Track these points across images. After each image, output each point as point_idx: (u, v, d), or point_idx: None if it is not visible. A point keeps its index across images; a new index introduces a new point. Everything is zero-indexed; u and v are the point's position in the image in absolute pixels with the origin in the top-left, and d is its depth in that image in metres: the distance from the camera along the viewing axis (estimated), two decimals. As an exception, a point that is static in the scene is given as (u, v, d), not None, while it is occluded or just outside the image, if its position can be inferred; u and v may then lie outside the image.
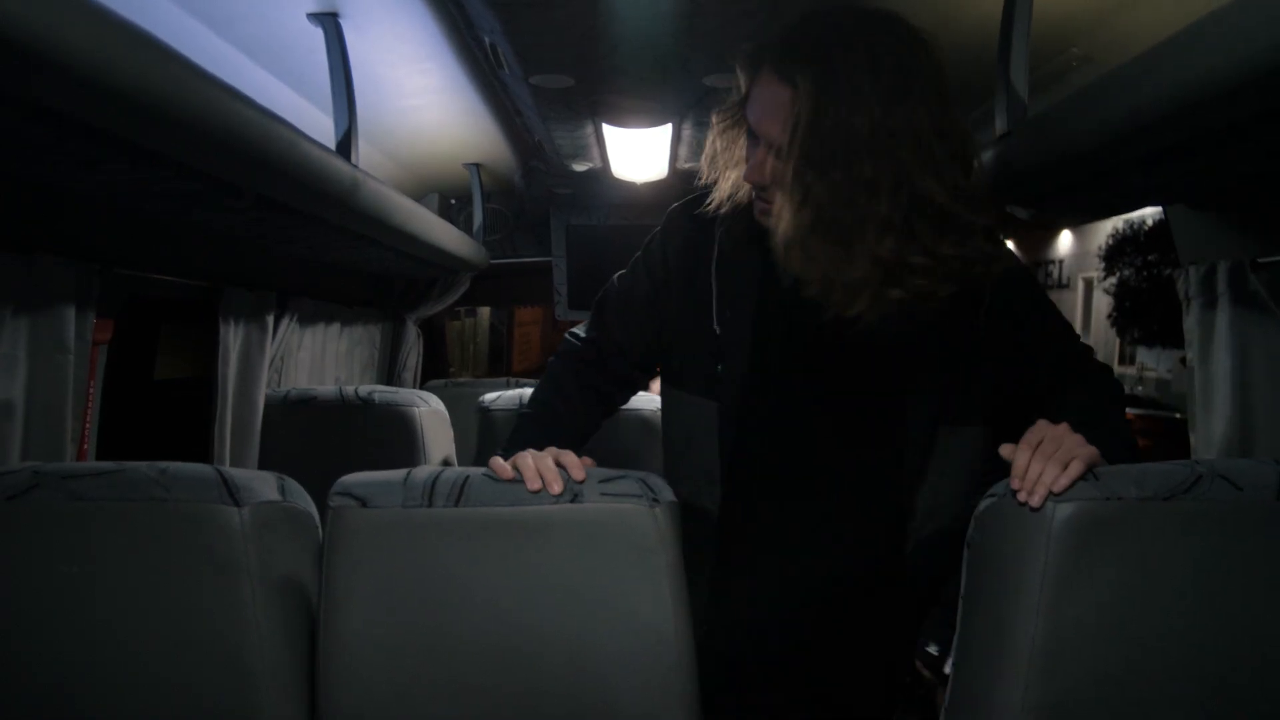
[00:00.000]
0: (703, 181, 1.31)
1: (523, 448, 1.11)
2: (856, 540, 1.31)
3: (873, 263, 1.11)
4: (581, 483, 1.04)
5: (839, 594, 1.32)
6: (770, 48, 1.17)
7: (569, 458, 1.07)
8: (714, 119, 1.28)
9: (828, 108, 1.08)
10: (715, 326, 1.30)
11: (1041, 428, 1.03)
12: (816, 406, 1.31)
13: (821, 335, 1.26)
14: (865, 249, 1.11)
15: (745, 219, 1.28)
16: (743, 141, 1.24)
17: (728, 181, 1.27)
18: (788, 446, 1.32)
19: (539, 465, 1.05)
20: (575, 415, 1.38)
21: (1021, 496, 0.96)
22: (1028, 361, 1.29)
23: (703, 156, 1.30)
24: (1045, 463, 0.97)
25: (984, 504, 1.02)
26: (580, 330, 1.46)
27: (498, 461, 1.08)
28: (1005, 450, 1.04)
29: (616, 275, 1.46)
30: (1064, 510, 0.95)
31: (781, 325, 1.30)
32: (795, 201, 1.11)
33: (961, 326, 1.25)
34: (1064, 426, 1.03)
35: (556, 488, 1.03)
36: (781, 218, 1.13)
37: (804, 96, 1.09)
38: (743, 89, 1.21)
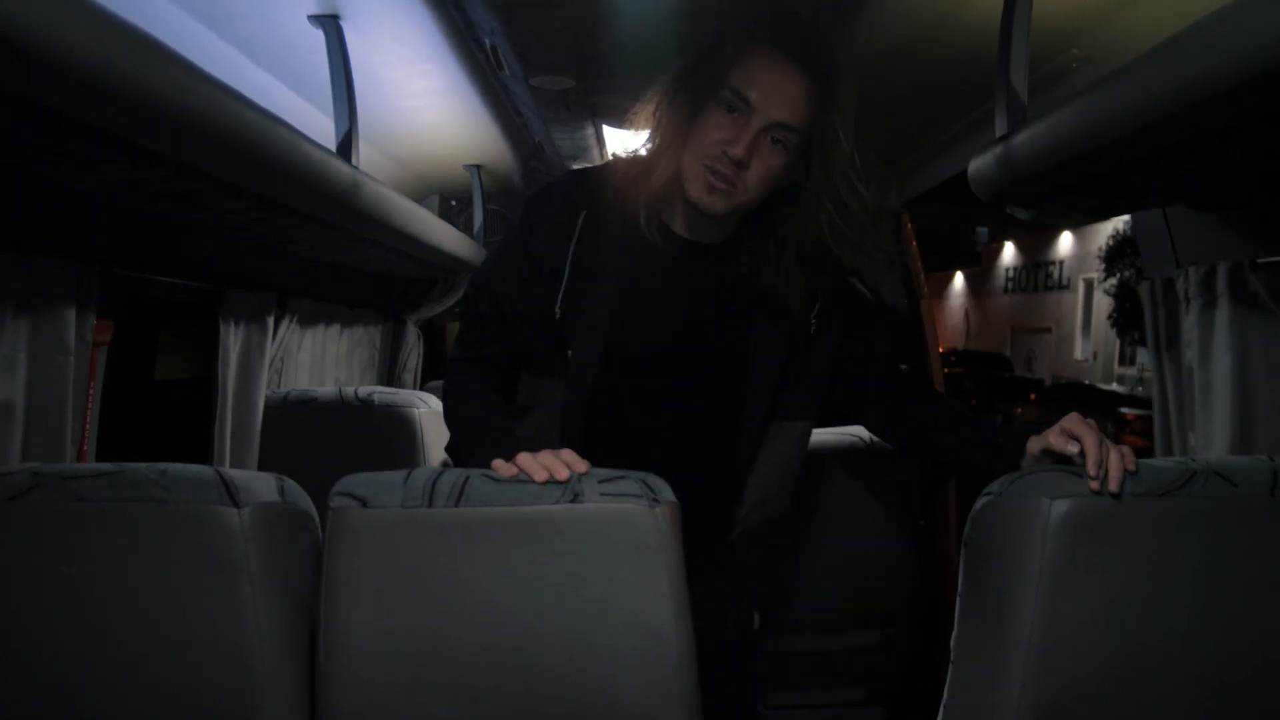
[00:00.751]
0: (639, 153, 1.30)
1: (487, 460, 1.09)
2: (688, 524, 1.36)
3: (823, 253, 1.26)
4: (584, 476, 1.04)
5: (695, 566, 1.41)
6: (786, 37, 1.21)
7: (569, 454, 1.06)
8: (672, 84, 1.27)
9: (847, 117, 1.22)
10: (556, 310, 1.31)
11: (1079, 418, 1.07)
12: (662, 394, 1.36)
13: (673, 325, 1.34)
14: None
15: (610, 202, 1.29)
16: (709, 113, 1.22)
17: (689, 154, 1.24)
18: (631, 433, 1.35)
19: (541, 458, 1.05)
20: (508, 424, 1.34)
21: (1095, 485, 0.96)
22: (856, 369, 1.42)
23: (649, 122, 1.28)
24: (1107, 451, 0.99)
25: (980, 502, 1.02)
26: (461, 350, 1.40)
27: (499, 461, 1.07)
28: (1058, 442, 1.06)
29: (477, 282, 1.43)
30: (1060, 507, 0.95)
31: (638, 313, 1.32)
32: (859, 180, 1.22)
33: (796, 331, 1.36)
34: (1092, 421, 1.07)
35: (563, 474, 1.03)
36: (851, 200, 1.23)
37: (843, 100, 1.21)
38: (726, 60, 1.22)
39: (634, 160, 1.30)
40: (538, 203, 1.36)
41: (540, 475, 1.03)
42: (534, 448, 1.21)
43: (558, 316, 1.30)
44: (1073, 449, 1.03)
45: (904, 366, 1.51)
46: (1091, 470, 0.97)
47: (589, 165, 1.40)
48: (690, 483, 1.38)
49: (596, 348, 1.31)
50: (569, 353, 1.31)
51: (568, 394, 1.32)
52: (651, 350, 1.34)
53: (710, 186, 1.22)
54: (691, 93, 1.24)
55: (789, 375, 1.38)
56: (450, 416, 1.35)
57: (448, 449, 1.34)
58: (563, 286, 1.30)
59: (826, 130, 1.21)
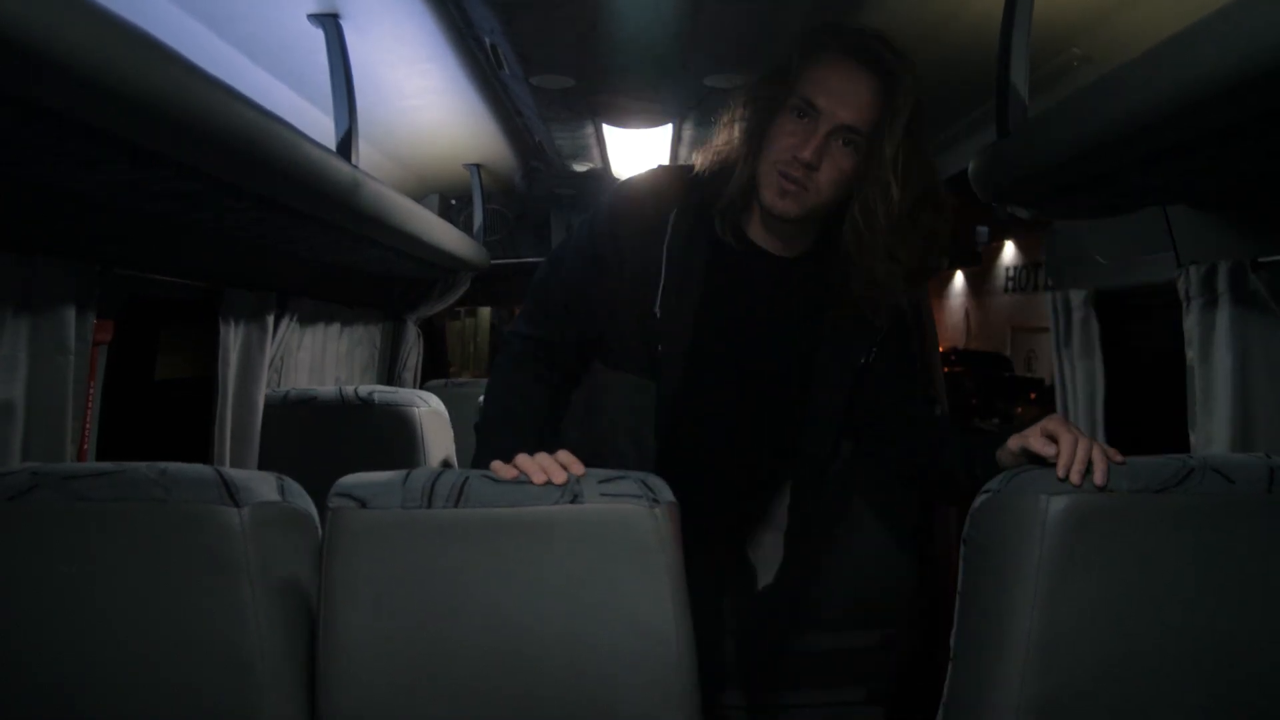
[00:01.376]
0: (718, 160, 1.32)
1: (497, 455, 1.10)
2: (748, 517, 1.49)
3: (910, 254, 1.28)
4: (581, 479, 1.04)
5: (732, 563, 1.48)
6: (853, 41, 1.24)
7: (566, 456, 1.07)
8: (745, 96, 1.31)
9: (916, 116, 1.23)
10: (657, 310, 1.32)
11: (1059, 419, 1.08)
12: (739, 395, 1.40)
13: (747, 332, 1.37)
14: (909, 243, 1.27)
15: (699, 202, 1.32)
16: (781, 120, 1.26)
17: (763, 160, 1.27)
18: (711, 429, 1.39)
19: (540, 460, 1.06)
20: (536, 417, 1.36)
21: (1075, 479, 0.97)
22: (894, 388, 1.43)
23: (728, 132, 1.31)
24: (1088, 449, 1.00)
25: (980, 500, 1.02)
26: (524, 327, 1.42)
27: (499, 463, 1.08)
28: (1037, 444, 1.06)
29: (553, 263, 1.43)
30: (1058, 503, 0.95)
31: (718, 317, 1.35)
32: (897, 184, 1.22)
33: (862, 346, 1.38)
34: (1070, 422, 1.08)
35: (560, 477, 1.03)
36: (877, 204, 1.23)
37: (905, 101, 1.22)
38: (794, 70, 1.25)
39: (714, 165, 1.32)
40: (625, 196, 1.37)
41: (538, 478, 1.03)
42: (626, 444, 1.26)
43: (658, 316, 1.32)
44: (1050, 451, 1.03)
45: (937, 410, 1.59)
46: (1060, 473, 0.98)
47: (661, 166, 1.43)
48: (755, 488, 1.43)
49: (684, 348, 1.33)
50: (659, 349, 1.33)
51: (660, 391, 1.34)
52: (728, 354, 1.37)
53: (782, 190, 1.25)
54: (763, 103, 1.27)
55: (850, 395, 1.41)
56: (489, 392, 1.39)
57: (476, 426, 1.35)
58: (660, 286, 1.32)
59: (881, 131, 1.23)
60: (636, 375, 1.36)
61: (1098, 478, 0.96)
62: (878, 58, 1.23)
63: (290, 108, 1.81)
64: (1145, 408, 1.85)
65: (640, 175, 1.41)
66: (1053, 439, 1.04)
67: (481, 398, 2.05)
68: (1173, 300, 1.50)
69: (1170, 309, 1.51)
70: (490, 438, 1.29)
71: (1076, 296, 1.85)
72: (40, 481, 0.99)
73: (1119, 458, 0.99)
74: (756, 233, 1.35)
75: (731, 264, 1.34)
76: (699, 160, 1.35)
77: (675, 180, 1.36)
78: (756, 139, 1.27)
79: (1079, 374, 1.82)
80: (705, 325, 1.34)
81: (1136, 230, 1.62)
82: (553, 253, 1.45)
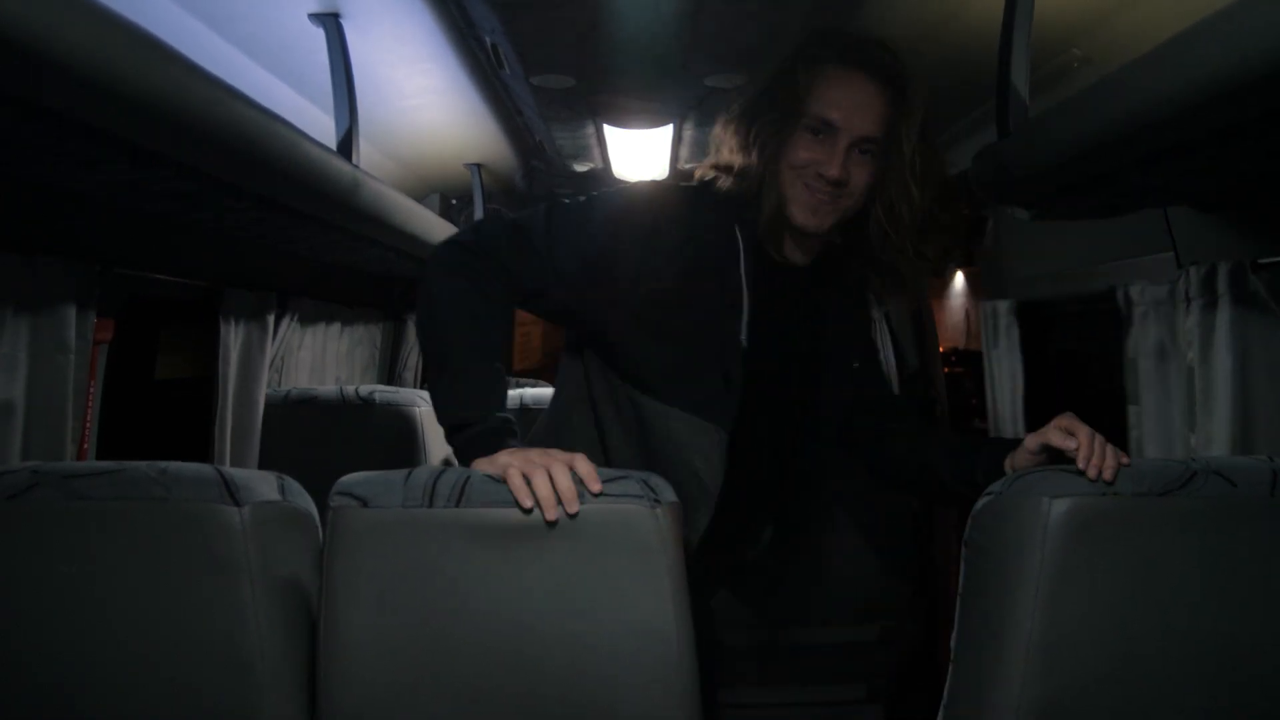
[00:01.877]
0: (746, 181, 1.28)
1: (502, 430, 1.11)
2: (750, 517, 1.50)
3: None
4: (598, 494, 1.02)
5: (732, 562, 1.51)
6: (853, 51, 1.24)
7: (583, 466, 1.03)
8: (746, 116, 1.29)
9: (915, 120, 1.23)
10: (743, 339, 1.29)
11: (1073, 416, 1.09)
12: (776, 409, 1.38)
13: (791, 338, 1.36)
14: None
15: (754, 222, 1.30)
16: (795, 138, 1.25)
17: (786, 179, 1.26)
18: (749, 448, 1.36)
19: (558, 484, 1.01)
20: (502, 375, 1.25)
21: (1092, 473, 0.98)
22: (895, 385, 1.47)
23: (743, 155, 1.27)
24: (1103, 444, 1.01)
25: (982, 502, 1.02)
26: (498, 247, 1.27)
27: (515, 481, 1.02)
28: (1057, 438, 1.07)
29: (578, 215, 1.29)
30: (1060, 506, 0.95)
31: (771, 329, 1.33)
32: (917, 186, 1.24)
33: (866, 345, 1.43)
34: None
35: (574, 508, 1.00)
36: (900, 206, 1.25)
37: (912, 103, 1.23)
38: (800, 87, 1.24)
39: (739, 187, 1.28)
40: (679, 204, 1.30)
41: (551, 514, 0.99)
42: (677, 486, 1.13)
43: (744, 345, 1.29)
44: (1072, 444, 1.04)
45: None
46: (1081, 464, 0.99)
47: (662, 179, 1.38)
48: (758, 489, 1.44)
49: (742, 379, 1.30)
50: (725, 384, 1.29)
51: (722, 436, 1.31)
52: (776, 373, 1.36)
53: (814, 207, 1.25)
54: (774, 125, 1.25)
55: (859, 390, 1.43)
56: (454, 318, 1.25)
57: (425, 353, 1.25)
58: (745, 310, 1.29)
59: (893, 133, 1.24)
60: (695, 412, 1.29)
61: (1106, 474, 0.98)
62: (883, 65, 1.24)
63: (291, 107, 1.81)
64: (1059, 397, 2.17)
65: (674, 192, 1.33)
66: (1070, 434, 1.06)
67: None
68: (1081, 310, 1.68)
69: (1077, 317, 1.72)
70: (485, 398, 1.18)
71: (1002, 306, 2.13)
72: (40, 480, 0.98)
73: (1125, 459, 1.00)
74: (788, 247, 1.34)
75: (773, 281, 1.33)
76: (721, 183, 1.30)
77: (724, 198, 1.30)
78: (774, 161, 1.26)
79: (1004, 370, 2.15)
80: (759, 347, 1.31)
81: (1057, 249, 1.90)
82: (564, 207, 1.30)
